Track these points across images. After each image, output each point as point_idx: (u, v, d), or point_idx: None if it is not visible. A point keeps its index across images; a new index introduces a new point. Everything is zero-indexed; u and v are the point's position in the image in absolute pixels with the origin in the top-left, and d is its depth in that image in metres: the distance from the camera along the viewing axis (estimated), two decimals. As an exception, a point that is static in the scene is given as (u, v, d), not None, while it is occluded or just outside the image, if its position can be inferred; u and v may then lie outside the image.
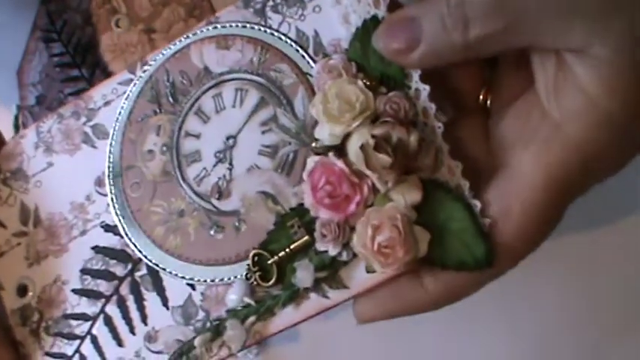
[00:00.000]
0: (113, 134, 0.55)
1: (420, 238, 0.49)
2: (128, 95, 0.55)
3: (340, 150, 0.49)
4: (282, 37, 0.53)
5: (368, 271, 0.50)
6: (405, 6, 0.51)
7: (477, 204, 0.49)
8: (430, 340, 0.64)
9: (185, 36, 0.54)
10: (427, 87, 0.50)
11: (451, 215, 0.49)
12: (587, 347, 0.65)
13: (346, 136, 0.49)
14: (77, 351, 0.54)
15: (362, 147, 0.48)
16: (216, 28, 0.54)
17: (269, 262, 0.51)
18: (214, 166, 0.53)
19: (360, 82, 0.49)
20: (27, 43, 0.67)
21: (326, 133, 0.49)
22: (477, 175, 0.50)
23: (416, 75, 0.50)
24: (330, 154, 0.49)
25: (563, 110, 0.48)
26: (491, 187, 0.50)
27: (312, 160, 0.50)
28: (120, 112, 0.55)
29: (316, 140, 0.50)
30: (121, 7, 0.64)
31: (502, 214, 0.49)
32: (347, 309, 0.52)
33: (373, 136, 0.48)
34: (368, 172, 0.48)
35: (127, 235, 0.54)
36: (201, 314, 0.52)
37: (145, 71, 0.55)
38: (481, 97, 0.53)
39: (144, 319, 0.53)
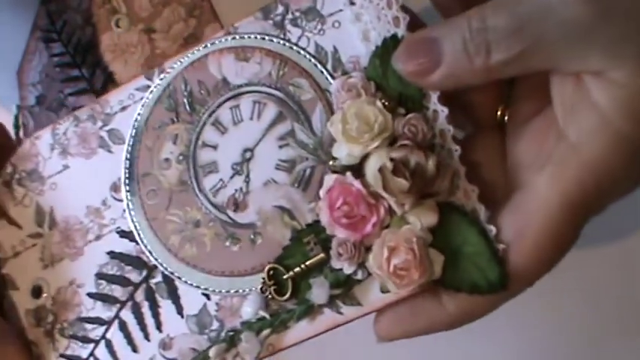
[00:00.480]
0: (129, 140, 0.56)
1: (434, 261, 0.51)
2: (145, 101, 0.56)
3: (358, 170, 0.51)
4: (301, 52, 0.54)
5: (382, 291, 0.52)
6: (426, 27, 0.52)
7: (492, 229, 0.51)
8: (429, 343, 0.65)
9: (203, 45, 0.55)
10: (445, 109, 0.52)
11: (466, 239, 0.51)
12: (587, 349, 0.67)
13: (364, 157, 0.51)
14: (92, 354, 0.56)
15: (380, 170, 0.49)
16: (234, 38, 0.55)
17: (284, 277, 0.53)
18: (231, 177, 0.54)
19: (379, 103, 0.51)
20: (27, 43, 0.67)
21: (344, 153, 0.51)
22: (493, 197, 0.52)
23: (434, 96, 0.52)
24: (348, 173, 0.51)
25: (578, 130, 0.49)
26: (507, 208, 0.51)
27: (329, 179, 0.51)
28: (136, 119, 0.56)
29: (334, 158, 0.52)
30: (121, 7, 0.64)
31: (517, 236, 0.51)
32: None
33: (391, 160, 0.49)
34: (385, 195, 0.50)
35: (142, 241, 0.55)
36: (215, 324, 0.54)
37: (162, 78, 0.56)
38: (498, 113, 0.54)
39: (158, 326, 0.55)
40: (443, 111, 0.52)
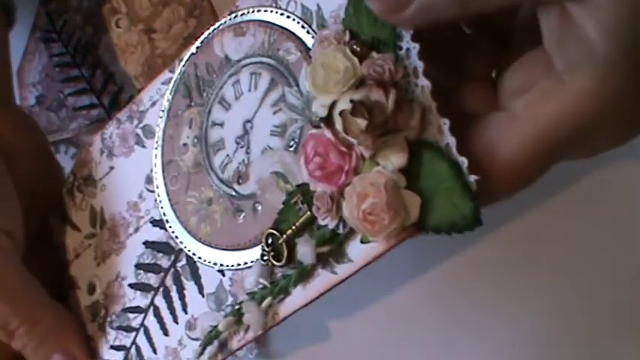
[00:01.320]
0: (157, 133, 0.60)
1: (410, 203, 0.48)
2: (167, 93, 0.59)
3: (328, 120, 0.51)
4: (290, 16, 0.55)
5: (362, 242, 0.50)
6: None
7: (464, 161, 0.48)
8: (427, 343, 0.62)
9: (212, 29, 0.58)
10: (417, 45, 0.50)
11: (439, 175, 0.48)
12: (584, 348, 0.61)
13: (333, 105, 0.51)
14: (134, 342, 0.59)
15: (341, 113, 0.49)
16: (236, 16, 0.57)
17: (280, 241, 0.53)
18: (235, 151, 0.56)
19: (347, 50, 0.51)
20: (27, 43, 0.72)
21: (318, 105, 0.51)
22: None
23: (407, 35, 0.50)
24: (322, 125, 0.51)
25: (564, 61, 0.46)
26: (480, 123, 0.49)
27: (307, 134, 0.52)
28: (162, 110, 0.60)
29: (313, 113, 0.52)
30: (121, 7, 0.68)
31: (486, 153, 0.48)
32: (345, 311, 0.52)
33: (351, 101, 0.49)
34: (349, 138, 0.49)
35: (169, 227, 0.58)
36: (230, 299, 0.55)
37: (182, 67, 0.59)
38: (493, 75, 0.52)
39: (184, 307, 0.57)
40: (415, 47, 0.50)
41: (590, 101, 0.45)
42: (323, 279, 0.52)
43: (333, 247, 0.51)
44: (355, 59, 0.50)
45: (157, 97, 0.60)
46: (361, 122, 0.48)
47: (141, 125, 0.61)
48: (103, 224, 0.62)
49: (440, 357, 0.61)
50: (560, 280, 0.54)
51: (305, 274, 0.52)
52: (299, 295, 0.52)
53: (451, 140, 0.48)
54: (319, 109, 0.51)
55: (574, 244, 0.53)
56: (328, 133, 0.50)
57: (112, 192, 0.62)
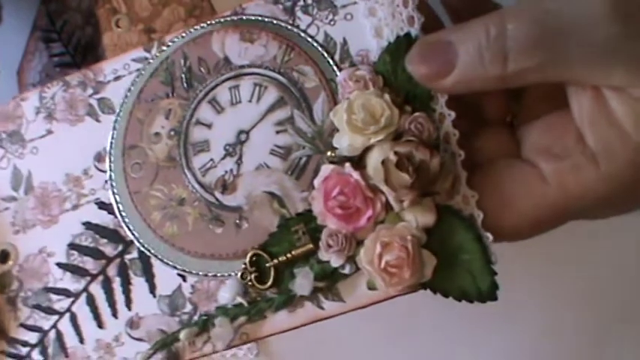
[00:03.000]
0: (120, 110, 0.56)
1: (426, 262, 0.51)
2: (141, 73, 0.56)
3: (357, 163, 0.52)
4: (309, 39, 0.55)
5: (369, 288, 0.52)
6: (442, 30, 0.53)
7: (489, 236, 0.51)
8: (428, 342, 0.65)
9: (208, 22, 0.56)
10: (452, 113, 0.52)
11: (461, 245, 0.51)
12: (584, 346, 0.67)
13: (365, 150, 0.52)
14: (54, 327, 0.55)
15: (383, 162, 0.50)
16: (242, 19, 0.56)
17: (267, 264, 0.53)
18: (222, 158, 0.54)
19: (387, 97, 0.52)
20: (27, 43, 0.69)
21: (345, 143, 0.51)
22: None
23: (442, 100, 0.52)
24: (347, 164, 0.51)
25: (598, 141, 0.49)
26: (504, 174, 0.52)
27: (326, 168, 0.52)
28: (130, 89, 0.56)
29: (333, 149, 0.52)
30: (121, 7, 0.66)
31: (504, 203, 0.52)
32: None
33: (396, 153, 0.50)
34: (385, 189, 0.50)
35: (121, 215, 0.55)
36: (188, 307, 0.54)
37: (162, 51, 0.56)
38: (507, 119, 0.55)
39: (128, 303, 0.54)
40: (450, 115, 0.52)
41: (620, 183, 0.50)
42: (307, 311, 0.53)
43: (329, 284, 0.52)
44: (396, 110, 0.51)
45: (124, 73, 0.57)
46: (406, 178, 0.49)
47: (97, 96, 0.57)
48: (29, 190, 0.57)
49: (440, 355, 0.63)
50: (560, 278, 0.58)
51: (290, 302, 0.53)
52: (277, 321, 0.53)
53: (477, 214, 0.52)
54: (346, 147, 0.51)
55: (574, 242, 0.56)
56: (357, 176, 0.51)
57: (47, 158, 0.57)
